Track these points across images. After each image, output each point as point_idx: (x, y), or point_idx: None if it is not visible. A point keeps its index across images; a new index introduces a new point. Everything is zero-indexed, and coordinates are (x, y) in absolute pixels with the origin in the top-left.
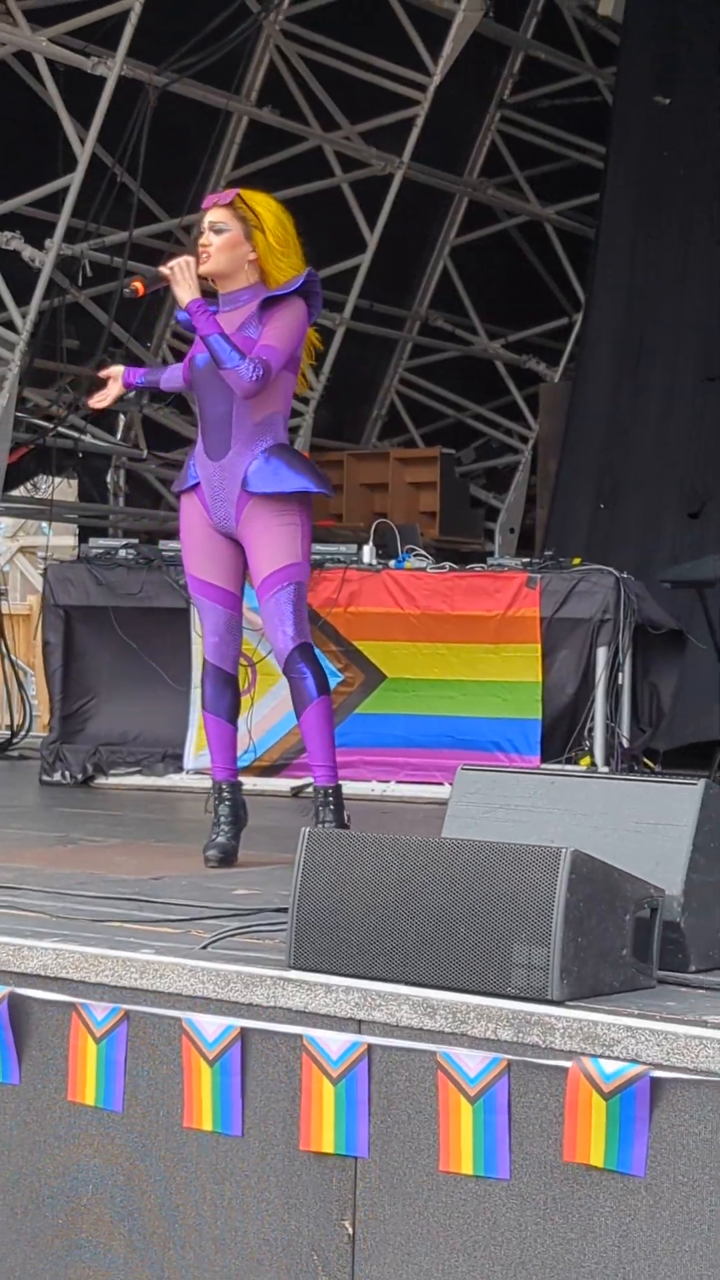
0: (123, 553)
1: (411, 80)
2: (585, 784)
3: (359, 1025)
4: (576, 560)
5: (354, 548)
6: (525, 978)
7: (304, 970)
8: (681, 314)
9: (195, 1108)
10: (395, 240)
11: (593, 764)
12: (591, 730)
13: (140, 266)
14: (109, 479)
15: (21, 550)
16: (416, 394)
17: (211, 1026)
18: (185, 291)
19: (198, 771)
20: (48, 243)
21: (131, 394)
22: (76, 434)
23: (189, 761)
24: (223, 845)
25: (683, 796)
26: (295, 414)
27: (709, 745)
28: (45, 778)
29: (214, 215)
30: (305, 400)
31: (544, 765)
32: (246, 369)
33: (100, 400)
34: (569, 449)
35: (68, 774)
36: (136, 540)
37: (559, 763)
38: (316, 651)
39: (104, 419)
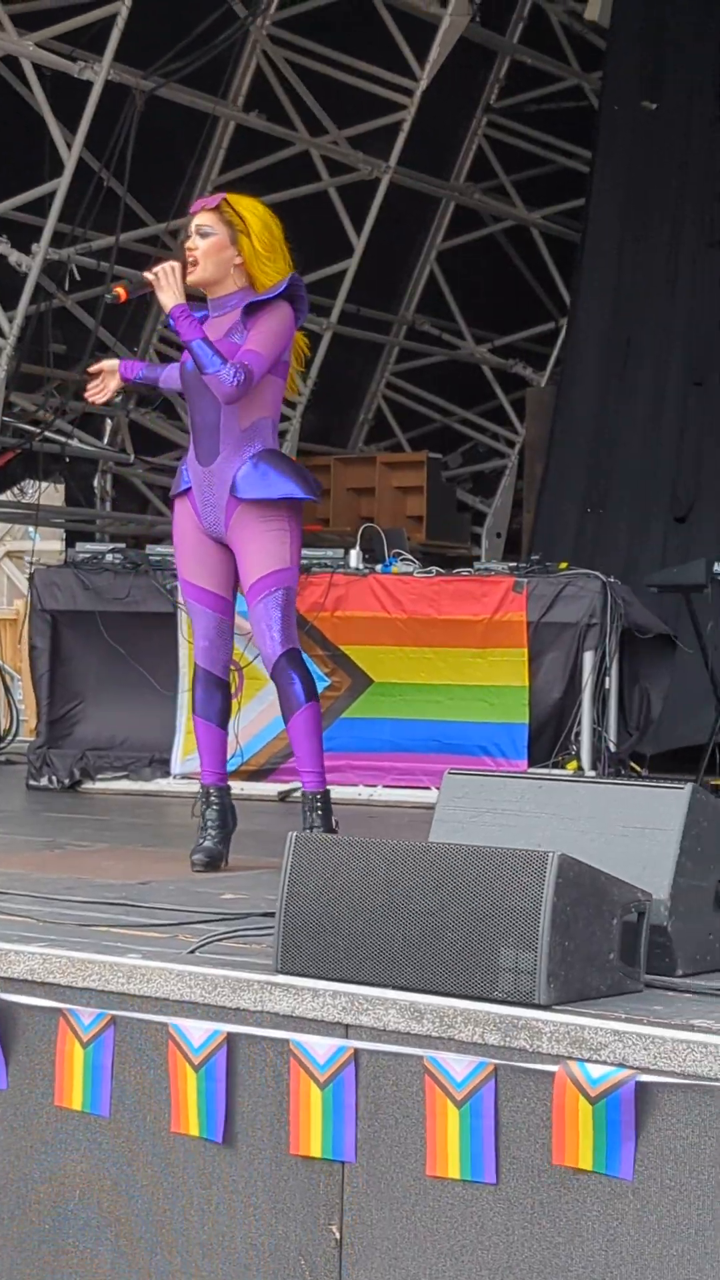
0: (110, 557)
1: (398, 85)
2: (572, 788)
3: (346, 1029)
4: (563, 564)
5: (341, 552)
6: (512, 982)
7: (291, 974)
8: (669, 318)
9: (182, 1113)
10: (382, 245)
11: (579, 768)
12: (578, 734)
13: (127, 271)
14: (96, 483)
15: (8, 555)
16: (403, 398)
17: (197, 1031)
18: (169, 297)
19: (185, 776)
20: (34, 247)
21: (119, 398)
22: (63, 438)
23: (176, 766)
24: (209, 850)
25: (670, 800)
26: (283, 418)
27: (696, 749)
28: (32, 782)
29: (200, 219)
30: (292, 405)
31: (531, 769)
32: (228, 374)
33: (98, 394)
34: (555, 452)
35: (55, 779)
36: (123, 545)
37: (546, 767)
38: (304, 656)
39: (91, 423)
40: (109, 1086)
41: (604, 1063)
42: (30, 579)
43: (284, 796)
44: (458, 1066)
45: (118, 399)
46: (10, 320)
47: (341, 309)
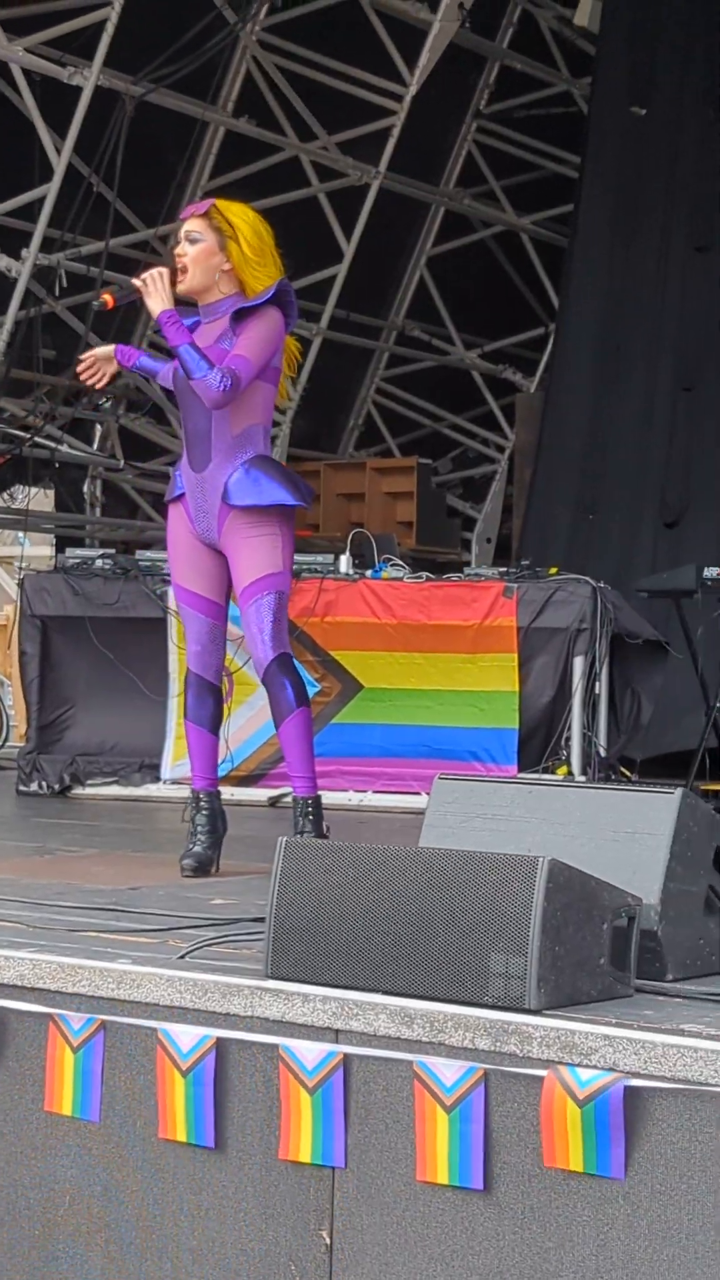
0: (99, 563)
1: (388, 90)
2: (562, 793)
3: (336, 1035)
4: (553, 570)
5: (331, 558)
6: (503, 987)
7: (281, 980)
8: (658, 323)
9: (170, 1119)
10: (372, 250)
11: (570, 773)
12: (568, 739)
13: (117, 276)
14: (86, 489)
15: None
16: (393, 404)
17: (186, 1037)
18: (157, 302)
19: (175, 781)
20: (24, 252)
21: (107, 403)
22: (53, 444)
23: (166, 771)
24: (198, 855)
25: (660, 805)
26: (273, 424)
27: (685, 754)
28: (22, 788)
29: (189, 226)
30: (282, 410)
31: (521, 774)
32: (215, 379)
33: (92, 376)
34: (544, 457)
35: (44, 784)
36: (113, 550)
37: (536, 772)
38: (295, 662)
39: (80, 429)
40: (99, 1092)
41: (594, 1067)
42: (20, 584)
43: (274, 802)
44: (447, 1072)
45: (105, 403)
46: (0, 325)
47: (331, 314)
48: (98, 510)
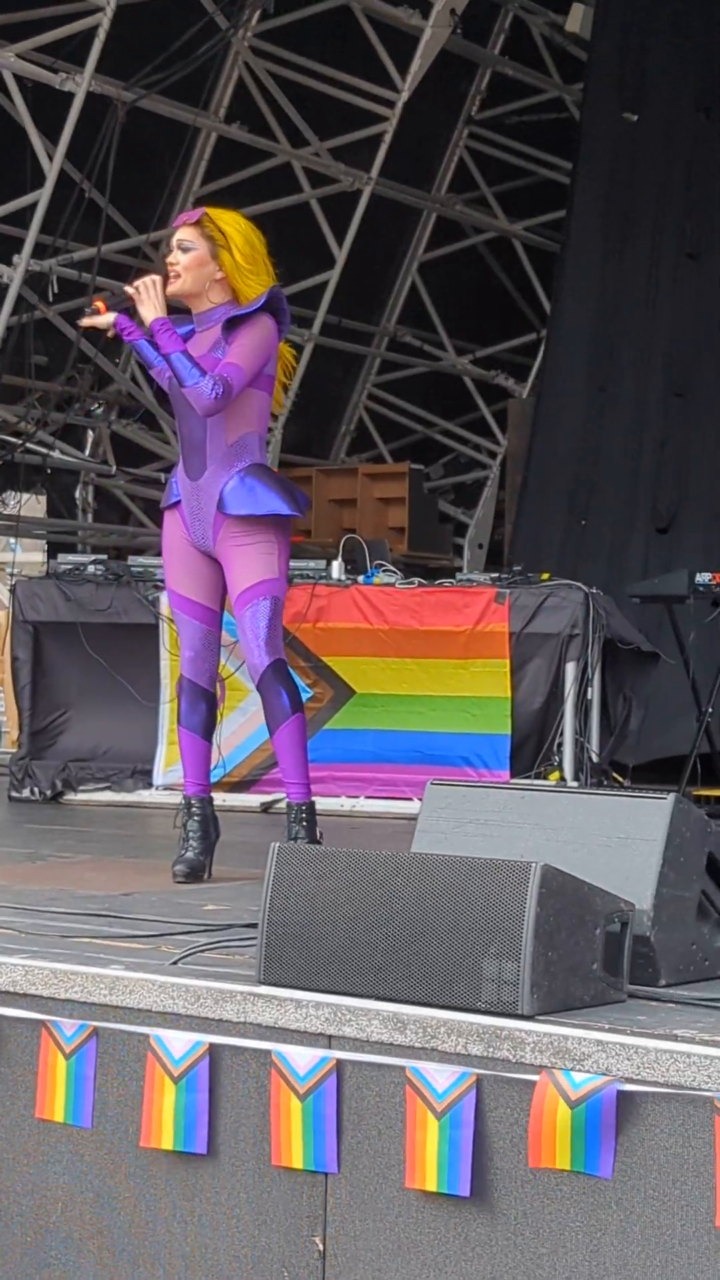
0: (91, 568)
1: (380, 96)
2: (555, 798)
3: (329, 1040)
4: (545, 575)
5: (323, 563)
6: (495, 992)
7: (274, 985)
8: (649, 328)
9: (155, 1126)
10: (364, 256)
11: (562, 778)
12: (561, 745)
13: (109, 282)
14: (78, 495)
15: None
16: (385, 410)
17: (179, 1043)
18: (150, 310)
19: (167, 787)
20: (16, 258)
21: (99, 409)
22: (45, 450)
23: (158, 777)
24: (190, 860)
25: (652, 811)
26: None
27: (677, 760)
28: (14, 794)
29: (181, 234)
30: (274, 416)
31: (513, 780)
32: (206, 386)
33: (88, 322)
34: (536, 463)
35: (36, 790)
36: (105, 556)
37: (528, 777)
38: (289, 668)
39: (72, 435)
40: (91, 1098)
41: (587, 1073)
42: (12, 590)
43: (266, 808)
44: (440, 1077)
45: (97, 409)
46: None
47: (323, 320)
48: (90, 516)
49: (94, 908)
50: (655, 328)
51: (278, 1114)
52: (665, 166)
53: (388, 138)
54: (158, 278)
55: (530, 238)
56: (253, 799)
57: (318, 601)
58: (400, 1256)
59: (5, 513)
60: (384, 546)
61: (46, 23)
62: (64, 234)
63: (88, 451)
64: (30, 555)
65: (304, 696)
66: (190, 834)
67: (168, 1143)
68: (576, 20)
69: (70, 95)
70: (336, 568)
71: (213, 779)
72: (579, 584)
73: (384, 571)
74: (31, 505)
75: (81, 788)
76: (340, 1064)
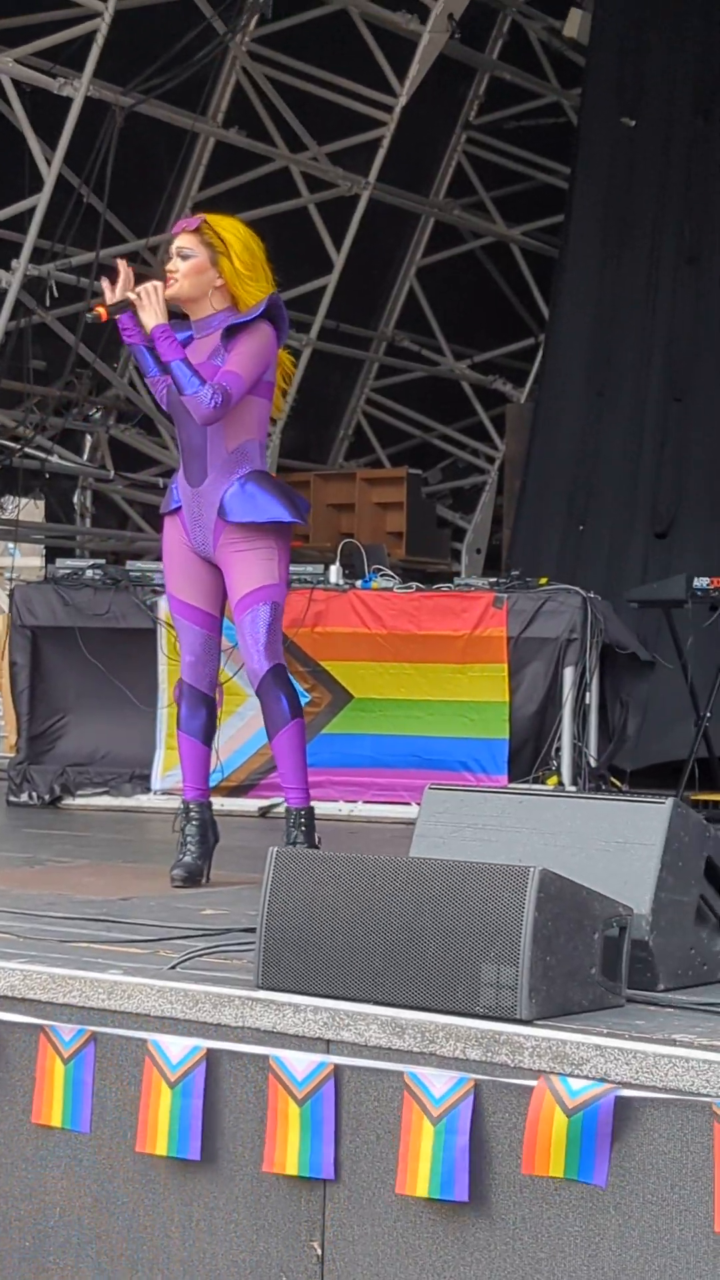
0: (90, 573)
1: (378, 101)
2: (553, 803)
3: (327, 1045)
4: (543, 580)
5: (321, 568)
6: (494, 997)
7: (272, 990)
8: (648, 333)
9: (149, 1131)
10: (362, 261)
11: (560, 783)
12: (559, 749)
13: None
14: (76, 500)
15: None
16: (383, 414)
17: (176, 1048)
18: (150, 316)
19: (165, 792)
20: (14, 263)
21: (97, 413)
22: (43, 455)
23: (156, 782)
24: (188, 865)
25: (650, 815)
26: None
27: (676, 764)
28: (12, 799)
29: (180, 241)
30: (272, 420)
31: (511, 785)
32: (206, 395)
33: (112, 290)
34: (535, 468)
35: (35, 795)
36: (103, 561)
37: (526, 782)
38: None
39: (70, 440)
40: (90, 1103)
41: (586, 1078)
42: (10, 595)
43: (264, 812)
44: (437, 1083)
45: (95, 414)
46: None
47: (321, 325)
48: (88, 521)
49: (92, 912)
50: (654, 332)
51: (274, 1119)
52: (663, 171)
53: (386, 142)
54: (159, 284)
55: (528, 242)
56: (251, 804)
57: (315, 606)
58: (398, 1262)
59: (4, 517)
60: (382, 551)
61: (45, 27)
62: (62, 239)
63: (86, 456)
64: (28, 560)
65: (301, 701)
66: (188, 839)
67: (162, 1148)
68: (574, 25)
69: (69, 100)
70: (334, 572)
71: (211, 783)
72: (577, 589)
73: (382, 576)
74: (30, 510)
75: (80, 792)
76: (338, 1069)
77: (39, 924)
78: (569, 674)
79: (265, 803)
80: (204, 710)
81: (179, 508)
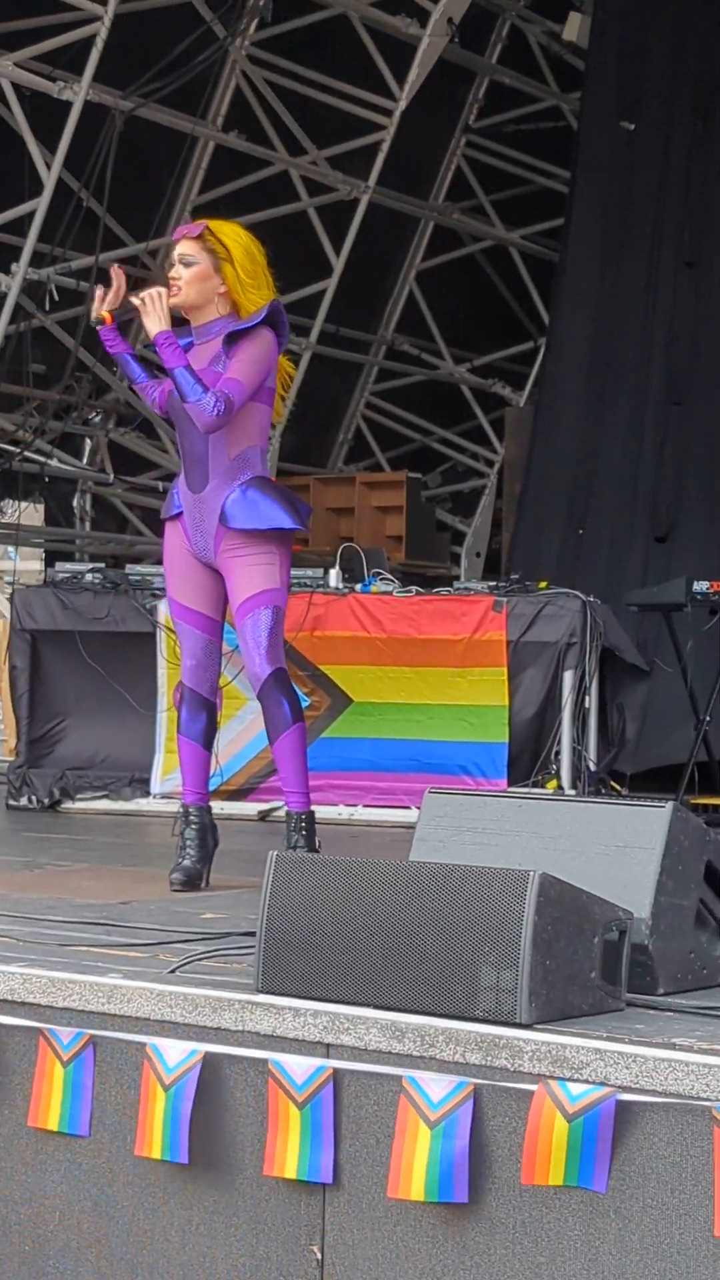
0: (89, 577)
1: (377, 105)
2: (553, 807)
3: (327, 1049)
4: (543, 584)
5: (320, 572)
6: (494, 1000)
7: (272, 994)
8: (647, 337)
9: (146, 1135)
10: (361, 265)
11: (559, 787)
12: (558, 753)
13: None
14: (75, 503)
15: None
16: (382, 418)
17: (174, 1051)
18: (154, 323)
19: (165, 796)
20: (14, 267)
21: (96, 417)
22: (43, 458)
23: (156, 786)
24: (187, 869)
25: (650, 819)
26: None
27: (675, 768)
28: (11, 802)
29: (183, 248)
30: (272, 424)
31: (511, 788)
32: (208, 403)
33: (103, 299)
34: (534, 471)
35: (34, 798)
36: (103, 565)
37: (526, 786)
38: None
39: (70, 443)
40: (89, 1107)
41: (586, 1081)
42: (10, 599)
43: (264, 816)
44: (435, 1087)
45: (95, 418)
46: None
47: (321, 329)
48: (87, 525)
49: (92, 916)
50: (653, 335)
51: (274, 1123)
52: (663, 174)
53: (385, 146)
54: (163, 290)
55: (527, 246)
56: (250, 807)
57: (315, 610)
58: (398, 1267)
59: (3, 521)
60: (381, 555)
61: (45, 31)
62: (62, 242)
63: (85, 460)
64: (28, 564)
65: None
66: (188, 842)
67: (155, 1151)
68: (574, 29)
69: (68, 104)
70: (334, 576)
71: (210, 787)
72: (577, 593)
73: (381, 580)
74: (29, 513)
75: (79, 796)
76: (338, 1073)
77: (38, 928)
78: (568, 678)
79: (265, 806)
80: (204, 714)
81: (180, 513)
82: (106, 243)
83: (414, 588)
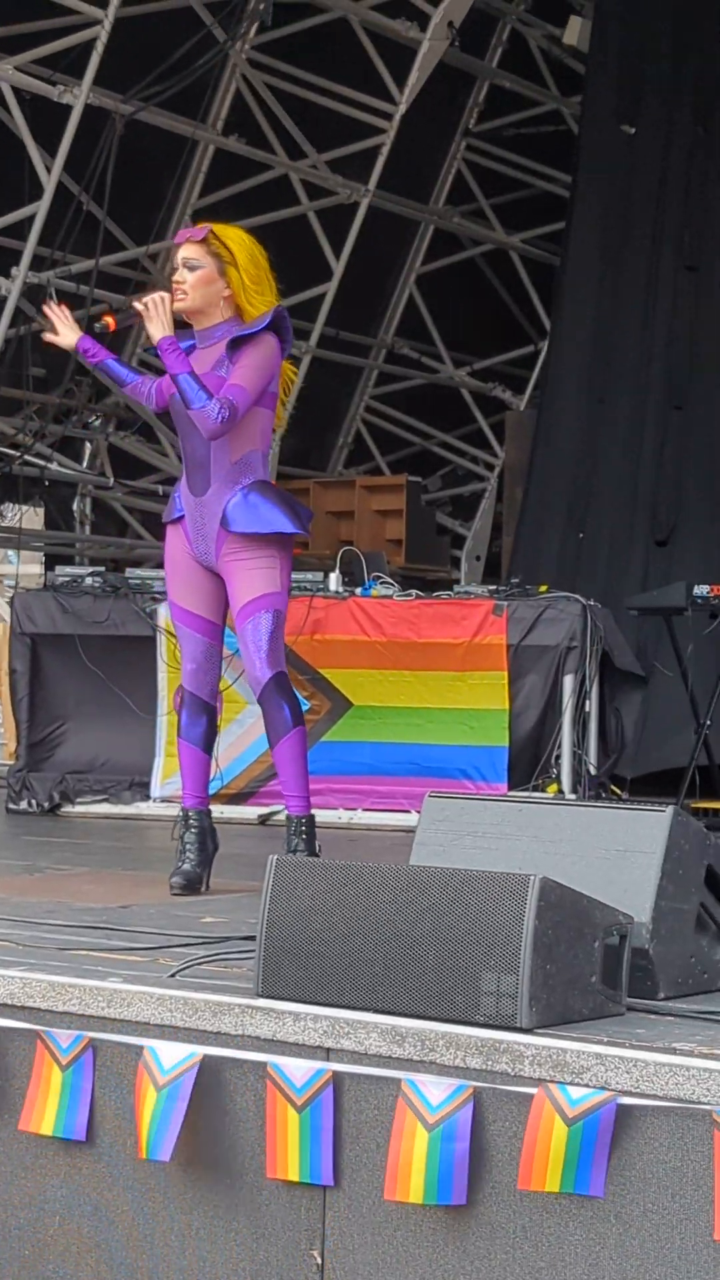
0: (89, 581)
1: (377, 109)
2: (553, 811)
3: (327, 1053)
4: (543, 587)
5: (320, 575)
6: (494, 1005)
7: (272, 998)
8: (648, 341)
9: (141, 1136)
10: (361, 268)
11: (560, 791)
12: (558, 757)
13: (107, 295)
14: (75, 507)
15: None
16: (382, 422)
17: (170, 1053)
18: (157, 328)
19: (165, 799)
20: (14, 271)
21: (97, 421)
22: (43, 462)
23: (156, 789)
24: (187, 873)
25: (651, 823)
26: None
27: (676, 772)
28: (11, 806)
29: (187, 251)
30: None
31: (511, 792)
32: (213, 410)
33: (50, 337)
34: (535, 475)
35: (34, 802)
36: (103, 568)
37: (526, 790)
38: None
39: (70, 447)
40: (86, 1111)
41: (586, 1086)
42: (10, 602)
43: (264, 820)
44: (435, 1090)
45: (95, 421)
46: None
47: (321, 332)
48: (87, 528)
49: (91, 920)
50: (654, 339)
51: (274, 1126)
52: (663, 178)
53: (385, 150)
54: (166, 295)
55: (528, 250)
56: (250, 811)
57: (315, 614)
58: (399, 1270)
59: (3, 525)
60: (381, 559)
61: (45, 35)
62: (62, 246)
63: (85, 464)
64: (28, 567)
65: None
66: (188, 846)
67: (143, 1151)
68: (574, 33)
69: (68, 107)
70: (334, 580)
71: (210, 791)
72: (577, 596)
73: (381, 584)
74: (29, 517)
75: (79, 800)
76: (339, 1076)
77: (38, 932)
78: (569, 682)
79: (264, 810)
80: (204, 718)
81: (181, 516)
82: (107, 246)
83: (414, 591)
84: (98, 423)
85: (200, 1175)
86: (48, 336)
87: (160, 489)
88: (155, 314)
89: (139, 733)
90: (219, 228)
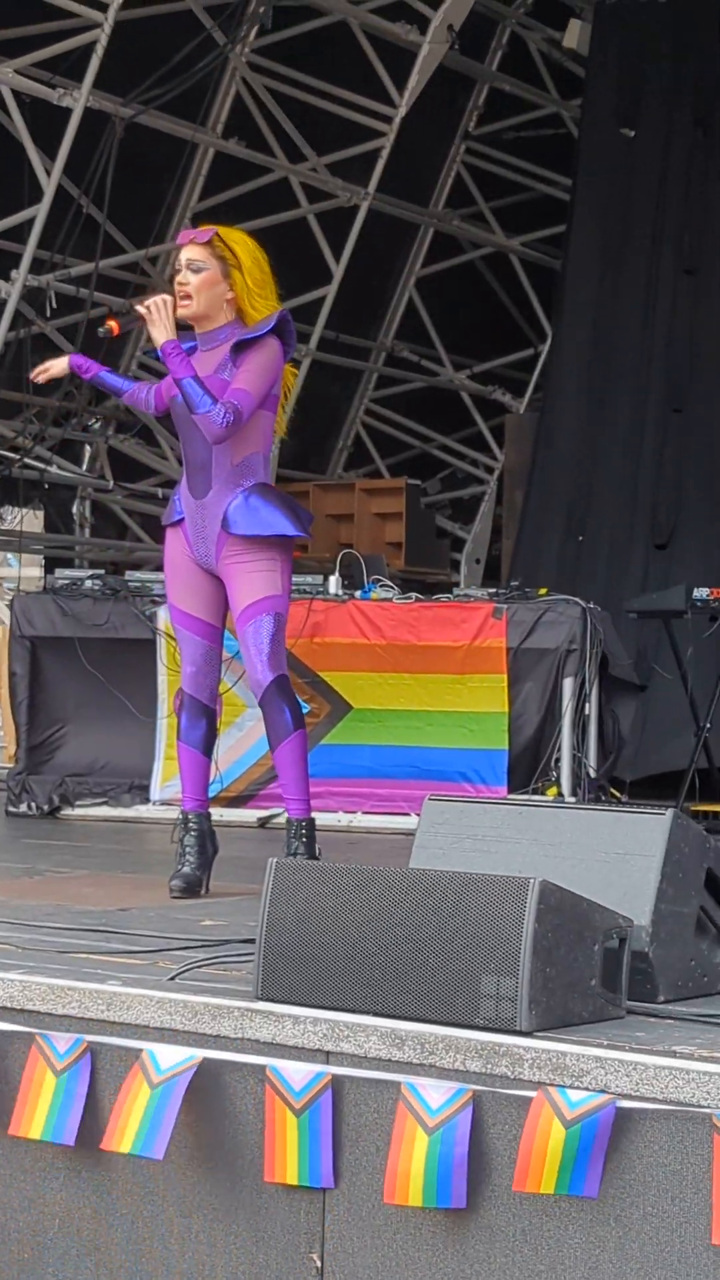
0: (89, 583)
1: (377, 112)
2: (553, 814)
3: (327, 1056)
4: (543, 590)
5: (320, 578)
6: (494, 1008)
7: (272, 1001)
8: (648, 344)
9: (120, 1130)
10: (361, 271)
11: (559, 794)
12: (558, 760)
13: (107, 298)
14: (75, 510)
15: None
16: (382, 425)
17: (169, 1055)
18: (160, 332)
19: (164, 802)
20: (14, 274)
21: (97, 423)
22: (43, 465)
23: (156, 792)
24: (187, 876)
25: (651, 826)
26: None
27: (675, 774)
28: (11, 809)
29: (191, 253)
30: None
31: (511, 795)
32: (217, 414)
33: (41, 375)
34: (535, 478)
35: (34, 805)
36: (103, 571)
37: (525, 793)
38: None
39: (70, 450)
40: (78, 1116)
41: (585, 1089)
42: (9, 605)
43: (263, 823)
44: (434, 1093)
45: (95, 424)
46: None
47: (320, 335)
48: (87, 531)
49: (91, 923)
50: (653, 343)
51: (272, 1129)
52: (663, 182)
53: (385, 153)
54: (169, 298)
55: (528, 253)
56: (250, 814)
57: (314, 617)
58: (398, 1273)
59: (3, 528)
60: (381, 562)
61: (44, 38)
62: (62, 249)
63: (85, 466)
64: (28, 570)
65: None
66: (187, 849)
67: (126, 1146)
68: (574, 36)
69: (68, 111)
70: (333, 583)
71: (210, 794)
72: (576, 599)
73: (381, 587)
74: (29, 520)
75: (79, 803)
76: (338, 1080)
77: (38, 934)
78: (568, 685)
79: (264, 813)
80: (204, 721)
81: (182, 519)
82: (106, 249)
83: (414, 594)
84: (97, 426)
85: (200, 1178)
86: (40, 379)
87: (160, 492)
88: (158, 317)
89: (139, 736)
90: (223, 230)
